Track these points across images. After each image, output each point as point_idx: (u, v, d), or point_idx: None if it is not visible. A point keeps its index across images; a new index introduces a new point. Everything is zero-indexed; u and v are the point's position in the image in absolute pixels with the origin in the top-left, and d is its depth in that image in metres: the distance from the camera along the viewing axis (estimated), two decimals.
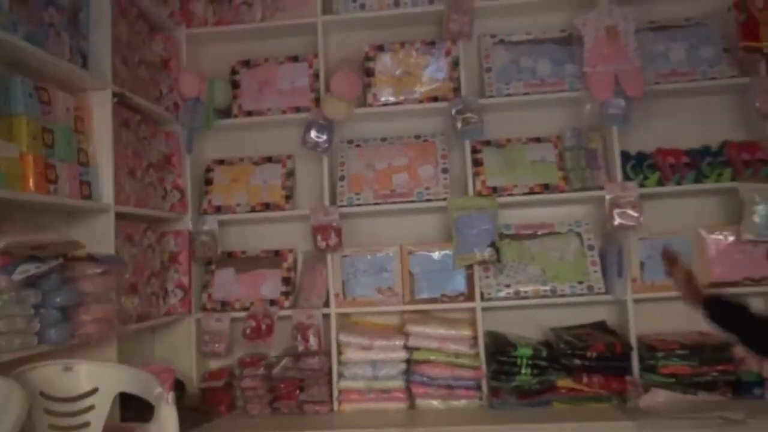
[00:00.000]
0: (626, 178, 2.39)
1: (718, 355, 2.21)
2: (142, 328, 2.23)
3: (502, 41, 2.57)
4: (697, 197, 2.48)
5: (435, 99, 2.50)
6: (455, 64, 2.51)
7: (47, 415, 1.51)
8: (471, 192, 2.43)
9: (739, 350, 2.22)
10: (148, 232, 2.29)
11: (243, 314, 2.46)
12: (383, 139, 2.60)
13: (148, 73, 2.36)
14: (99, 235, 1.95)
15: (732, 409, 2.00)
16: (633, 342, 2.28)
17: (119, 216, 2.02)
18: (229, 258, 2.61)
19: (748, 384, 2.20)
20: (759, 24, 2.35)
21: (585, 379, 2.22)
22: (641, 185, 2.37)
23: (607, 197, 2.34)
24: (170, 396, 1.61)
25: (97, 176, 1.95)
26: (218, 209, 2.56)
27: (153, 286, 2.29)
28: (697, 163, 2.41)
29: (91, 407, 1.53)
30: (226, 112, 2.60)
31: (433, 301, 2.43)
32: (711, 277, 2.34)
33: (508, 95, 2.47)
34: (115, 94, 2.03)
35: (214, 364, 2.55)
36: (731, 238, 2.37)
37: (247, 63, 2.65)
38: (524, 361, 2.23)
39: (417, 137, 2.59)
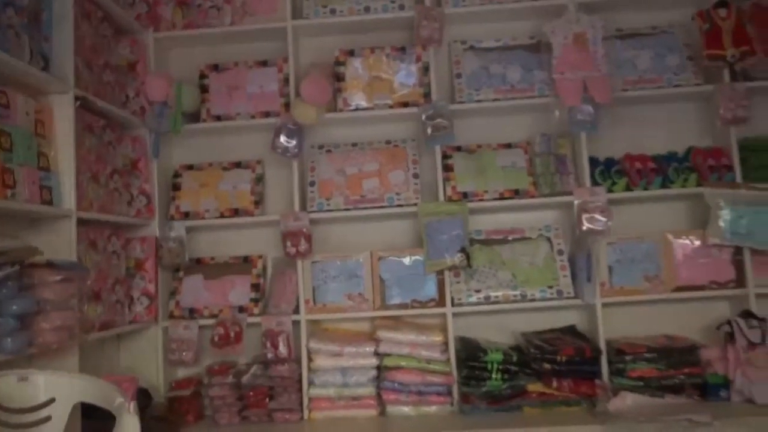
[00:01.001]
0: (595, 183, 2.41)
1: (685, 358, 2.24)
2: (106, 336, 2.18)
3: (472, 47, 2.58)
4: (664, 202, 2.52)
5: (405, 104, 2.50)
6: (426, 70, 2.52)
7: (2, 426, 1.46)
8: (441, 197, 2.43)
9: (706, 353, 2.25)
10: (113, 239, 2.24)
11: (212, 321, 2.42)
12: (354, 145, 2.59)
13: (113, 76, 2.33)
14: (61, 242, 1.91)
15: (698, 411, 2.02)
16: (602, 346, 2.29)
17: (82, 222, 1.98)
18: (198, 264, 2.57)
19: (715, 386, 2.23)
20: (722, 32, 2.41)
21: (555, 384, 2.22)
22: (609, 190, 2.40)
23: (576, 202, 2.36)
24: (132, 406, 1.56)
25: (59, 181, 1.91)
26: (186, 215, 2.53)
27: (117, 294, 2.24)
28: (664, 169, 2.44)
29: (48, 418, 1.48)
30: (194, 117, 2.57)
31: (404, 306, 2.42)
32: (678, 281, 2.37)
33: (478, 101, 2.49)
34: (77, 98, 1.99)
35: (182, 373, 2.51)
36: (697, 243, 2.40)
37: (216, 67, 2.62)
38: (495, 366, 2.23)
39: (388, 142, 2.59)
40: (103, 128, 2.21)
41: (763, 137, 2.43)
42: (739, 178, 2.37)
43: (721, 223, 2.33)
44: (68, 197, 1.93)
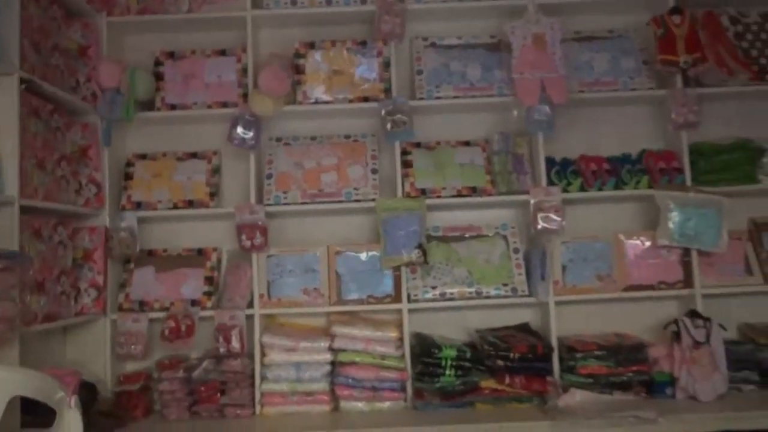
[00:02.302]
0: (551, 183, 2.44)
1: (633, 356, 2.28)
2: (50, 329, 2.10)
3: (433, 44, 2.58)
4: (617, 203, 2.57)
5: (366, 99, 2.49)
6: (386, 65, 2.50)
7: None
8: (400, 193, 2.43)
9: (653, 351, 2.30)
10: (59, 228, 2.17)
11: (162, 315, 2.36)
12: (313, 138, 2.57)
13: (62, 60, 2.24)
14: (2, 230, 1.82)
15: (645, 408, 2.07)
16: (554, 343, 2.33)
17: (25, 210, 1.90)
18: (149, 256, 2.50)
19: (661, 384, 2.28)
20: (676, 39, 2.46)
21: (507, 380, 2.24)
22: (565, 190, 2.43)
23: (532, 201, 2.38)
24: (73, 400, 1.51)
25: (0, 166, 1.83)
26: (138, 205, 2.46)
27: (63, 285, 2.16)
28: (618, 171, 2.49)
29: None
30: (148, 105, 2.50)
31: (360, 302, 2.41)
32: (629, 280, 2.43)
33: (438, 98, 2.49)
34: (23, 81, 1.90)
35: (131, 367, 2.44)
36: (648, 243, 2.46)
37: (172, 55, 2.56)
38: (449, 362, 2.24)
39: (347, 137, 2.57)
40: (50, 113, 2.13)
41: (712, 142, 2.50)
42: (688, 181, 2.44)
43: (671, 225, 2.39)
44: (11, 183, 1.85)
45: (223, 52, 2.55)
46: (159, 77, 2.53)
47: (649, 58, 2.54)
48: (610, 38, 2.59)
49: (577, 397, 2.19)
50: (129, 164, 2.55)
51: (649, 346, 2.32)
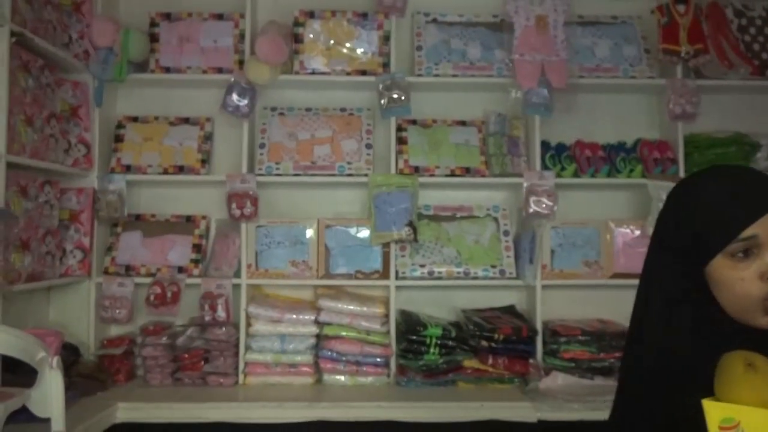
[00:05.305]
0: (544, 167, 2.43)
1: (616, 342, 2.29)
2: (34, 288, 2.08)
3: (435, 20, 2.54)
4: (610, 190, 2.57)
5: (363, 73, 2.45)
6: (386, 39, 2.47)
7: None
8: (393, 170, 2.41)
9: None
10: (46, 187, 2.13)
11: (148, 280, 2.35)
12: (308, 109, 2.53)
13: (55, 15, 2.18)
14: None
15: None
16: (539, 326, 2.34)
17: (11, 166, 1.86)
18: (137, 221, 2.48)
19: None
20: (679, 28, 2.44)
21: (490, 361, 2.26)
22: (558, 175, 2.42)
23: (525, 185, 2.38)
24: (55, 361, 1.50)
25: None
26: (128, 169, 2.42)
27: (49, 245, 2.14)
28: (612, 158, 2.48)
29: None
30: (142, 66, 2.45)
31: (348, 277, 2.40)
32: (616, 267, 2.44)
33: (437, 75, 2.46)
34: (13, 33, 1.85)
35: (115, 331, 2.43)
36: (637, 232, 2.46)
37: (168, 16, 2.50)
38: (433, 340, 2.25)
39: (343, 110, 2.54)
40: (41, 69, 2.08)
41: (707, 135, 2.50)
42: (682, 173, 2.44)
43: None
44: None
45: (220, 16, 2.49)
46: (154, 39, 2.47)
47: (650, 47, 2.52)
48: (614, 24, 2.56)
49: (558, 380, 2.21)
50: (120, 126, 2.50)
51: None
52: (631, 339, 1.09)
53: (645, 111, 2.62)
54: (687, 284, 1.00)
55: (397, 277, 2.37)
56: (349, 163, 2.43)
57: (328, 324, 2.30)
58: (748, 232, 0.94)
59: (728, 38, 2.48)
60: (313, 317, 2.30)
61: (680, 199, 1.06)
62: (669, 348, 0.99)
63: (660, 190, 2.40)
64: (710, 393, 0.85)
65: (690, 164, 2.45)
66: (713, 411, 0.82)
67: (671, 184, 2.34)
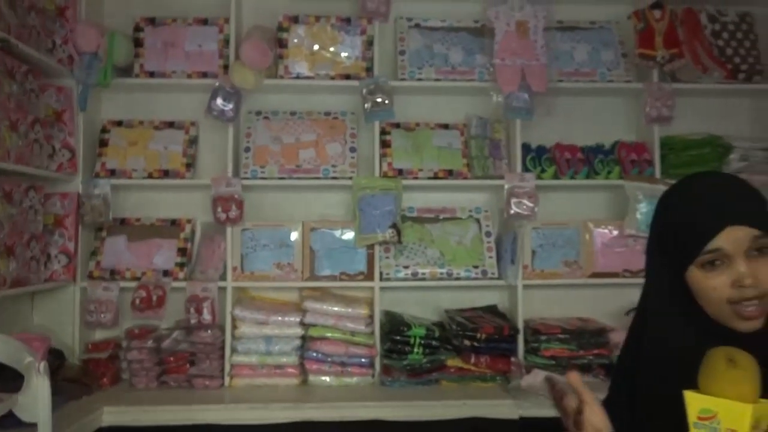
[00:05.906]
0: (525, 169, 2.48)
1: (595, 340, 2.35)
2: (18, 294, 2.08)
3: (417, 25, 2.59)
4: (588, 192, 2.63)
5: (347, 77, 2.48)
6: (369, 44, 2.50)
7: None
8: (377, 173, 2.45)
9: (614, 336, 2.38)
10: (31, 192, 2.13)
11: (134, 284, 2.35)
12: (292, 113, 2.56)
13: (39, 20, 2.19)
14: None
15: (602, 389, 2.13)
16: (520, 325, 2.39)
17: None
18: (122, 225, 2.48)
19: None
20: (655, 33, 2.50)
21: (473, 359, 2.30)
22: (539, 177, 2.47)
23: (506, 186, 2.42)
24: (42, 365, 1.51)
25: None
26: (112, 173, 2.43)
27: (33, 250, 2.14)
28: (591, 160, 2.54)
29: None
30: (126, 71, 2.46)
31: (333, 278, 2.43)
32: (595, 267, 2.49)
33: (420, 79, 2.50)
34: None
35: (100, 335, 2.44)
36: (615, 232, 2.52)
37: (152, 21, 2.51)
38: (417, 340, 2.28)
39: (327, 114, 2.57)
40: (25, 74, 2.09)
41: (682, 137, 2.56)
42: (658, 174, 2.50)
43: (638, 215, 2.45)
44: None
45: (205, 21, 2.51)
46: (138, 43, 2.48)
47: (628, 51, 2.58)
48: (592, 29, 2.62)
49: (539, 377, 2.25)
50: (104, 130, 2.51)
51: (610, 331, 2.39)
52: (632, 333, 1.14)
53: (622, 114, 2.68)
54: (677, 286, 1.03)
55: (381, 279, 2.41)
56: (333, 166, 2.46)
57: (314, 325, 2.33)
58: (712, 245, 0.97)
59: (702, 43, 2.56)
60: (298, 319, 2.32)
61: (662, 203, 1.09)
62: (664, 340, 1.03)
63: (637, 190, 2.46)
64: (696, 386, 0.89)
65: (666, 165, 2.52)
66: (693, 402, 0.86)
67: (648, 185, 2.45)
